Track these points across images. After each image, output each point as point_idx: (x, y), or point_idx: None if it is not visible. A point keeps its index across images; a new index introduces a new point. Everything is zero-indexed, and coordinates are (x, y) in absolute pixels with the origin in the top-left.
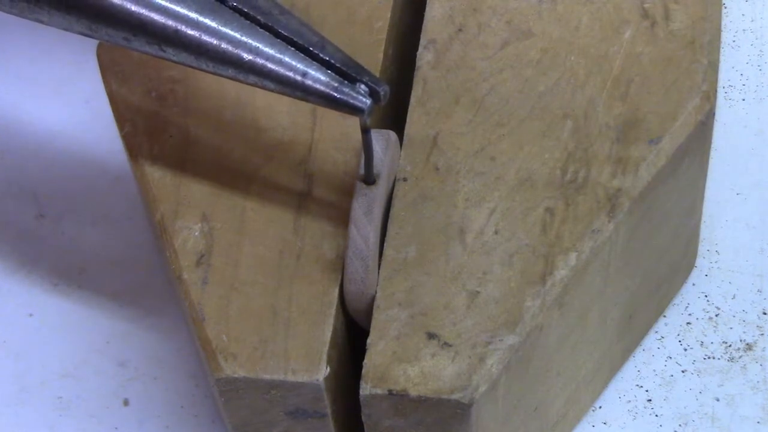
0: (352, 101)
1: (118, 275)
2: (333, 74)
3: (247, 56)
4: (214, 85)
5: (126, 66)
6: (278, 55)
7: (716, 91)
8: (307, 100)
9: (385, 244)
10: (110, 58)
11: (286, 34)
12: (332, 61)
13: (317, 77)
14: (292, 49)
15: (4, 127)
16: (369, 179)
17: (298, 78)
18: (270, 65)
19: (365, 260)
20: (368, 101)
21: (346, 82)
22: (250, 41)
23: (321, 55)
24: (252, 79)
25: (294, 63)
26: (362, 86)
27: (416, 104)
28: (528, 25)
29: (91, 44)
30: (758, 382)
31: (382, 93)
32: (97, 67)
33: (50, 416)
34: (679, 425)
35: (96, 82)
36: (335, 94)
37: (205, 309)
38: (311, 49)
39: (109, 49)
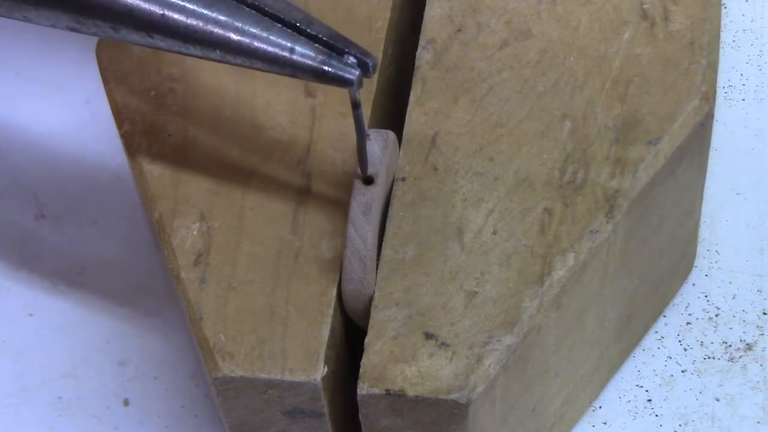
0: (340, 73)
1: (118, 275)
2: (320, 48)
3: (234, 36)
4: (213, 84)
5: (125, 65)
6: (264, 33)
7: (715, 92)
8: (296, 77)
9: (383, 244)
10: (110, 57)
11: (272, 12)
12: (319, 35)
13: (305, 52)
14: (279, 26)
15: (4, 127)
16: (363, 169)
17: (286, 54)
18: (257, 43)
19: (363, 260)
20: (357, 72)
21: (334, 54)
22: (236, 21)
23: (308, 30)
24: (240, 59)
25: (281, 40)
26: (350, 58)
27: (415, 104)
28: (527, 26)
29: (91, 44)
30: (758, 382)
31: (370, 64)
32: (97, 67)
33: (50, 416)
34: (679, 425)
35: (96, 82)
36: (324, 68)
37: (203, 308)
38: (298, 24)
39: (109, 48)
